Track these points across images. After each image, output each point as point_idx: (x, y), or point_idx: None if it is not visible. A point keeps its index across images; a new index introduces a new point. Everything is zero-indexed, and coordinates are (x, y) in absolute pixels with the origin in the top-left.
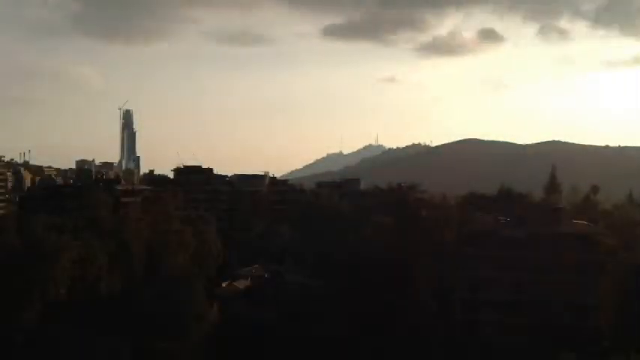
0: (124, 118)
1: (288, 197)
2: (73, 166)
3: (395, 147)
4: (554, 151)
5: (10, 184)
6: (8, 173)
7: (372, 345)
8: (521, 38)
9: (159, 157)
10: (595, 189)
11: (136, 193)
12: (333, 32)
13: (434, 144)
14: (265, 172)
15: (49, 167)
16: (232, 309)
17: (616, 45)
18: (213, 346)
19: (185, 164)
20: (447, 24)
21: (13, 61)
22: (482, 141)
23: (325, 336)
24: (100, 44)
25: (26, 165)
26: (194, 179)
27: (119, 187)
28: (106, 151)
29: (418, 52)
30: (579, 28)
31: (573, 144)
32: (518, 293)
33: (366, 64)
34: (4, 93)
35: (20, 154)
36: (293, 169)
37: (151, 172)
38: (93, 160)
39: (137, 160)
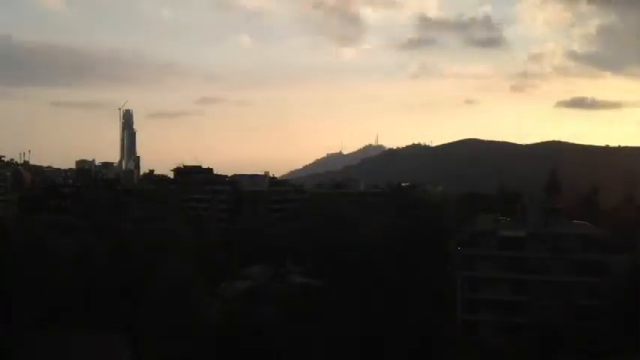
0: (124, 118)
1: (288, 197)
2: (73, 166)
3: (395, 147)
4: (554, 151)
5: (9, 184)
6: (8, 173)
7: (372, 345)
8: None
9: (159, 157)
10: (595, 189)
11: (136, 193)
12: None
13: (434, 144)
14: (265, 172)
15: (49, 167)
16: (232, 309)
17: None
18: (213, 346)
19: (185, 164)
20: None
21: None
22: (482, 141)
23: (326, 336)
24: None
25: (26, 165)
26: (194, 179)
27: (119, 187)
28: (106, 151)
29: None
30: None
31: (573, 144)
32: (518, 293)
33: None
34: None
35: (20, 154)
36: (293, 169)
37: (151, 172)
38: (93, 160)
39: (137, 160)
